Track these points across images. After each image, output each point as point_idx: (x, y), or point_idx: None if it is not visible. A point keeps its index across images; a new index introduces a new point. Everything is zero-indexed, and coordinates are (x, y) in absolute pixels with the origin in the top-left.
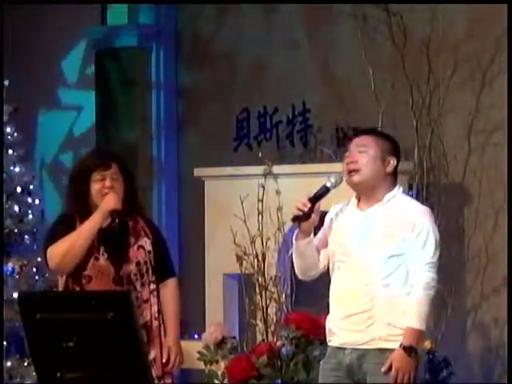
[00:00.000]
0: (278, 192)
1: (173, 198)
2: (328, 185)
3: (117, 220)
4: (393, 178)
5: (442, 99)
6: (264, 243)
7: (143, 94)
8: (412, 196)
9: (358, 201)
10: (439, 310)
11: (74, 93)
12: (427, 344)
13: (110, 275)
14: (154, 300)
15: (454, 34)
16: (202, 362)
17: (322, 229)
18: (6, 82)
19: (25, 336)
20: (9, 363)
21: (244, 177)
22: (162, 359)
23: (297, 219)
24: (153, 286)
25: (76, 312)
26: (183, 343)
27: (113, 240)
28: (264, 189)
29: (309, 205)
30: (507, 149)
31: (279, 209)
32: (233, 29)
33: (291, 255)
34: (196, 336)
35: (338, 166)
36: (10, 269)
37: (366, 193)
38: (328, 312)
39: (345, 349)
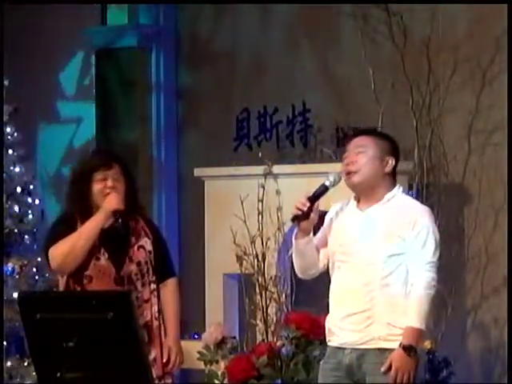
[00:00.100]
0: (278, 192)
1: (173, 198)
2: (327, 183)
3: (120, 220)
4: (392, 177)
5: (441, 99)
6: (264, 243)
7: (143, 94)
8: (412, 196)
9: (358, 201)
10: (439, 310)
11: (73, 105)
12: (427, 344)
13: (111, 275)
14: (154, 300)
15: (453, 34)
16: (202, 362)
17: (322, 228)
18: (6, 82)
19: (25, 336)
20: (9, 363)
21: (244, 177)
22: (162, 359)
23: (296, 219)
24: (153, 286)
25: (76, 312)
26: (183, 343)
27: (115, 240)
28: (264, 189)
29: (308, 204)
30: (507, 149)
31: (279, 209)
32: (233, 29)
33: (291, 255)
34: (196, 336)
35: (337, 166)
36: (10, 269)
37: (366, 193)
38: (328, 312)
39: (344, 349)
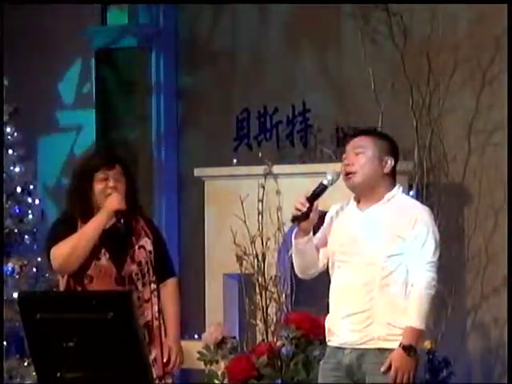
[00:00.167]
0: (278, 192)
1: (173, 198)
2: (325, 182)
3: (122, 220)
4: (392, 177)
5: (441, 99)
6: (264, 243)
7: (143, 94)
8: (412, 196)
9: (358, 201)
10: (439, 309)
11: (72, 113)
12: (427, 344)
13: (112, 275)
14: (154, 300)
15: (453, 34)
16: (202, 362)
17: (322, 228)
18: (6, 82)
19: (25, 336)
20: (9, 363)
21: (244, 177)
22: (162, 359)
23: (296, 219)
24: (154, 286)
25: (76, 312)
26: (183, 343)
27: (116, 240)
28: (264, 189)
29: (307, 204)
30: (507, 149)
31: (279, 209)
32: (233, 29)
33: (291, 255)
34: (196, 336)
35: (338, 166)
36: (10, 269)
37: (365, 193)
38: (328, 312)
39: (344, 349)
